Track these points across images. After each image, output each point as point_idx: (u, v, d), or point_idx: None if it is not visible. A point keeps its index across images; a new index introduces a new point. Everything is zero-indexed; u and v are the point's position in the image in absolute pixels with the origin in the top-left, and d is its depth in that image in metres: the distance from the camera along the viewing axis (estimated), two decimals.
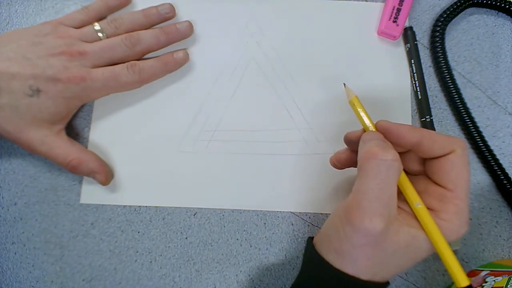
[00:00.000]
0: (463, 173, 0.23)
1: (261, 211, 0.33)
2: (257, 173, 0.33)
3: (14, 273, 0.32)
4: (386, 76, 0.35)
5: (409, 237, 0.22)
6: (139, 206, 0.33)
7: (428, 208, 0.23)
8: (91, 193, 0.33)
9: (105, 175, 0.32)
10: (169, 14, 0.34)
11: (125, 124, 0.34)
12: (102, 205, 0.33)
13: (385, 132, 0.24)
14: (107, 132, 0.34)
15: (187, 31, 0.34)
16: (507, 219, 0.33)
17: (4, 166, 0.33)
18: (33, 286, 0.31)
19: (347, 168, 0.29)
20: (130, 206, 0.33)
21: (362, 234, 0.22)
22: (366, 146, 0.23)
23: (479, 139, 0.33)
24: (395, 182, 0.22)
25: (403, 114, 0.34)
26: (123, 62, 0.33)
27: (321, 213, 0.33)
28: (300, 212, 0.33)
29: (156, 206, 0.33)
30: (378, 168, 0.22)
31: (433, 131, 0.25)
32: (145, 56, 0.34)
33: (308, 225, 0.33)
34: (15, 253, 0.32)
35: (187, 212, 0.33)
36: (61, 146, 0.30)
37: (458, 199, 0.22)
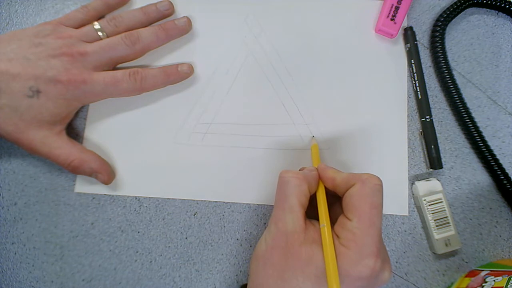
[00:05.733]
0: (361, 204, 0.24)
1: (261, 210, 0.33)
2: (252, 167, 0.33)
3: (14, 273, 0.32)
4: (383, 74, 0.35)
5: (311, 251, 0.24)
6: (139, 206, 0.33)
7: (336, 235, 0.24)
8: (86, 182, 0.33)
9: (107, 174, 0.32)
10: (168, 10, 0.35)
11: (121, 116, 0.34)
12: (102, 205, 0.33)
13: (319, 171, 0.28)
14: (103, 123, 0.34)
15: (186, 27, 0.34)
16: (507, 219, 0.33)
17: (4, 166, 0.33)
18: (33, 286, 0.32)
19: (343, 166, 0.32)
20: (130, 206, 0.33)
21: (273, 236, 0.25)
22: None
23: (479, 139, 0.33)
24: (292, 194, 0.25)
25: (399, 111, 0.34)
26: (124, 61, 0.34)
27: None
28: None
29: (156, 206, 0.33)
30: (279, 182, 0.27)
31: (340, 172, 0.27)
32: (146, 59, 0.34)
33: None
34: (15, 253, 0.32)
35: (187, 212, 0.33)
36: (62, 147, 0.30)
37: (356, 228, 0.23)
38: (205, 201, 0.33)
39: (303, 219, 0.25)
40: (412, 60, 0.35)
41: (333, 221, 0.26)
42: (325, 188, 0.27)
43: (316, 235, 0.25)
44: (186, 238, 0.32)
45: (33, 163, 0.33)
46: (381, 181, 0.25)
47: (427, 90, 0.34)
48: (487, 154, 0.33)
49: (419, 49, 0.35)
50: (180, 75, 0.34)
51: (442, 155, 0.33)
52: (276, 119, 0.34)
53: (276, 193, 0.27)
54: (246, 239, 0.32)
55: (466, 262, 0.32)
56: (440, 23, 0.35)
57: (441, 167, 0.33)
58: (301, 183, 0.26)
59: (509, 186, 0.33)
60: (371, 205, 0.24)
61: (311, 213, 0.26)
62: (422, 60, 0.35)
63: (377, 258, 0.23)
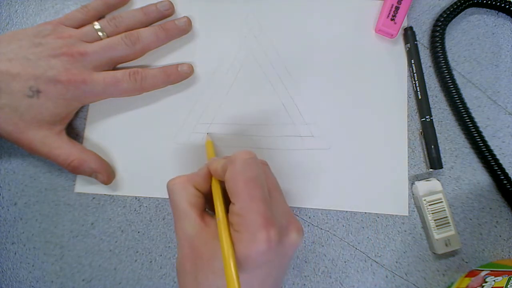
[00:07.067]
0: (235, 184, 0.23)
1: None
2: None
3: (14, 273, 0.32)
4: (383, 74, 0.35)
5: (213, 247, 0.23)
6: (139, 206, 0.33)
7: (231, 223, 0.24)
8: (86, 182, 0.33)
9: (106, 174, 0.32)
10: (168, 10, 0.35)
11: (121, 116, 0.34)
12: (102, 205, 0.33)
13: (208, 166, 0.27)
14: (103, 123, 0.34)
15: (186, 27, 0.34)
16: (507, 219, 0.33)
17: (4, 166, 0.33)
18: (33, 286, 0.32)
19: (343, 166, 0.31)
20: (130, 206, 0.33)
21: (179, 247, 0.25)
22: None
23: (479, 139, 0.33)
24: (180, 199, 0.25)
25: (399, 111, 0.34)
26: (124, 61, 0.34)
27: (318, 209, 0.33)
28: (298, 208, 0.33)
29: (156, 206, 0.33)
30: (168, 192, 0.26)
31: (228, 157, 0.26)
32: (146, 59, 0.34)
33: (308, 225, 0.33)
34: (15, 253, 0.32)
35: None
36: (62, 147, 0.30)
37: (241, 209, 0.23)
38: None
39: (199, 219, 0.24)
40: (412, 60, 0.35)
41: None
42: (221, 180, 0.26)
43: (217, 230, 0.24)
44: None
45: (33, 163, 0.33)
46: (251, 153, 0.24)
47: (427, 90, 0.34)
48: (487, 154, 0.33)
49: (419, 49, 0.35)
50: (180, 75, 0.34)
51: (442, 155, 0.33)
52: (275, 118, 0.34)
53: (170, 204, 0.26)
54: None
55: (466, 262, 0.32)
56: (440, 23, 0.35)
57: (441, 167, 0.33)
58: (185, 185, 0.26)
59: (509, 186, 0.33)
60: (245, 181, 0.23)
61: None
62: (422, 60, 0.35)
63: (268, 228, 0.22)
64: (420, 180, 0.33)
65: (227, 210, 0.24)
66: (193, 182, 0.26)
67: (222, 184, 0.26)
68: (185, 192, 0.25)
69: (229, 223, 0.24)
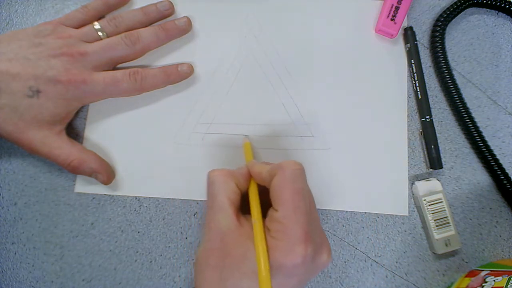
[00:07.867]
0: (282, 192, 0.24)
1: None
2: None
3: (14, 273, 0.32)
4: (383, 74, 0.35)
5: (245, 248, 0.23)
6: (139, 206, 0.33)
7: (268, 228, 0.24)
8: (86, 182, 0.33)
9: (106, 174, 0.32)
10: (168, 10, 0.35)
11: (121, 116, 0.34)
12: (102, 205, 0.33)
13: (248, 168, 0.27)
14: (103, 123, 0.34)
15: (186, 27, 0.34)
16: (507, 219, 0.33)
17: (4, 166, 0.33)
18: (33, 286, 0.31)
19: (343, 166, 0.32)
20: (130, 206, 0.33)
21: (208, 237, 0.25)
22: None
23: (479, 139, 0.33)
24: (220, 192, 0.25)
25: (399, 111, 0.34)
26: (124, 61, 0.34)
27: (318, 209, 0.33)
28: None
29: (156, 206, 0.33)
30: (207, 182, 0.26)
31: (269, 164, 0.26)
32: (145, 59, 0.34)
33: None
34: (15, 253, 0.32)
35: (187, 212, 0.33)
36: (62, 147, 0.30)
37: (283, 218, 0.23)
38: (205, 201, 0.33)
39: (235, 216, 0.24)
40: (412, 60, 0.35)
41: None
42: (261, 184, 0.27)
43: (251, 232, 0.24)
44: (186, 238, 0.32)
45: (33, 163, 0.33)
46: (300, 165, 0.25)
47: (427, 90, 0.34)
48: (487, 154, 0.33)
49: (419, 49, 0.35)
50: (180, 75, 0.34)
51: (442, 155, 0.33)
52: (276, 119, 0.34)
53: (207, 194, 0.26)
54: None
55: (466, 262, 0.32)
56: (440, 23, 0.35)
57: (441, 167, 0.33)
58: (227, 179, 0.26)
59: (509, 186, 0.33)
60: (293, 191, 0.23)
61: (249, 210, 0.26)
62: (422, 60, 0.35)
63: (307, 244, 0.22)
64: (420, 180, 0.33)
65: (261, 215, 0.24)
66: (234, 178, 0.26)
67: (259, 188, 0.26)
68: (226, 185, 0.25)
69: (265, 228, 0.24)
